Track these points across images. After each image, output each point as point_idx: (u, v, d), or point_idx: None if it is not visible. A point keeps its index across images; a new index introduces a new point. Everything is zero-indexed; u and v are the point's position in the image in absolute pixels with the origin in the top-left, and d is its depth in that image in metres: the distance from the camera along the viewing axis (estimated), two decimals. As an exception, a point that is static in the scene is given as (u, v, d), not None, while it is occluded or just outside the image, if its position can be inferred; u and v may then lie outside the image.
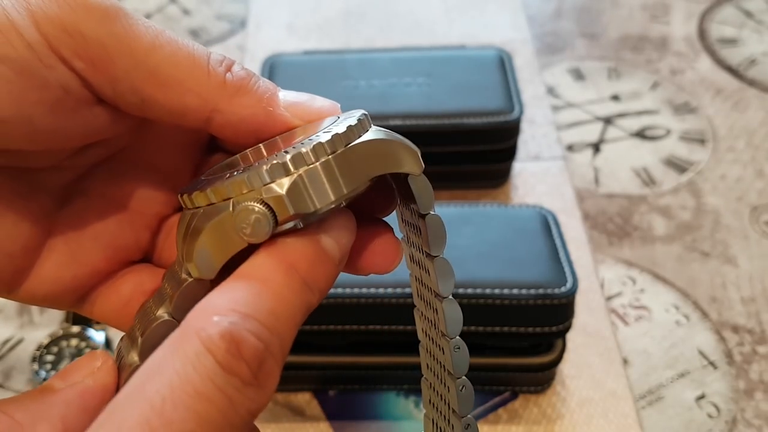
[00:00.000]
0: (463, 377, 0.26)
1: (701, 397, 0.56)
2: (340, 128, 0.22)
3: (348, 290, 0.51)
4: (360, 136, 0.22)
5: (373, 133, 0.23)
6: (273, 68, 0.70)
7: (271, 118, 0.25)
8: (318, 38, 0.86)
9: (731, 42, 0.87)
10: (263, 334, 0.20)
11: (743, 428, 0.54)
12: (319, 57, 0.72)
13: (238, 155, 0.25)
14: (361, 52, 0.73)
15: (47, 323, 0.60)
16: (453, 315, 0.26)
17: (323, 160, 0.21)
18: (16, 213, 0.25)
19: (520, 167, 0.72)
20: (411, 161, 0.23)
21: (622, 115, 0.79)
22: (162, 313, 0.23)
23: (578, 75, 0.83)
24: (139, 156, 0.28)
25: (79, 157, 0.26)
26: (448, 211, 0.57)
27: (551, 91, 0.81)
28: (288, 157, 0.21)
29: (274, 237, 0.21)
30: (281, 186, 0.21)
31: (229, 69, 0.25)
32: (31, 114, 0.22)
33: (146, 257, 0.29)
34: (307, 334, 0.52)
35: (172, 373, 0.19)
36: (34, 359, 0.56)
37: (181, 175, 0.29)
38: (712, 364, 0.58)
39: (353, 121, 0.22)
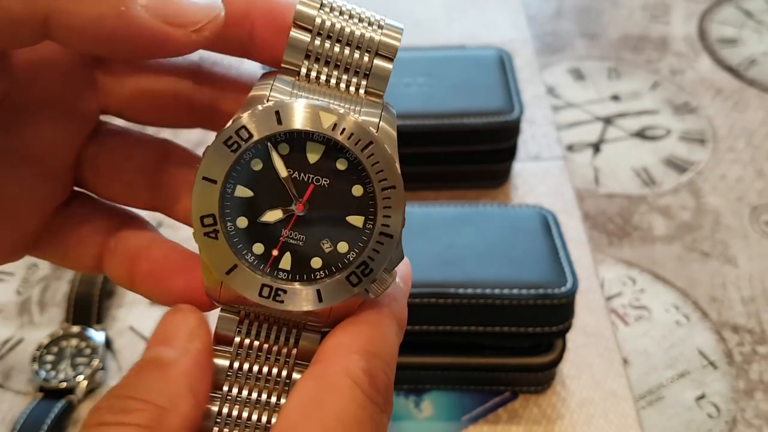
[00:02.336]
0: None
1: (701, 397, 0.56)
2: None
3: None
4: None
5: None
6: (273, 68, 0.70)
7: (125, 21, 0.21)
8: (318, 38, 0.86)
9: (731, 42, 0.87)
10: (387, 369, 0.24)
11: (743, 428, 0.54)
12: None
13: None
14: (361, 52, 0.73)
15: (47, 323, 0.60)
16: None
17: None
18: None
19: (520, 167, 0.72)
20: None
21: (622, 115, 0.79)
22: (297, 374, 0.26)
23: (578, 75, 0.83)
24: (25, 97, 0.25)
25: None
26: (448, 211, 0.57)
27: (551, 91, 0.81)
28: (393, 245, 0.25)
29: None
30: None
31: None
32: None
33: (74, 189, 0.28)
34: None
35: (334, 403, 0.22)
36: (34, 359, 0.56)
37: (78, 98, 0.26)
38: (712, 364, 0.58)
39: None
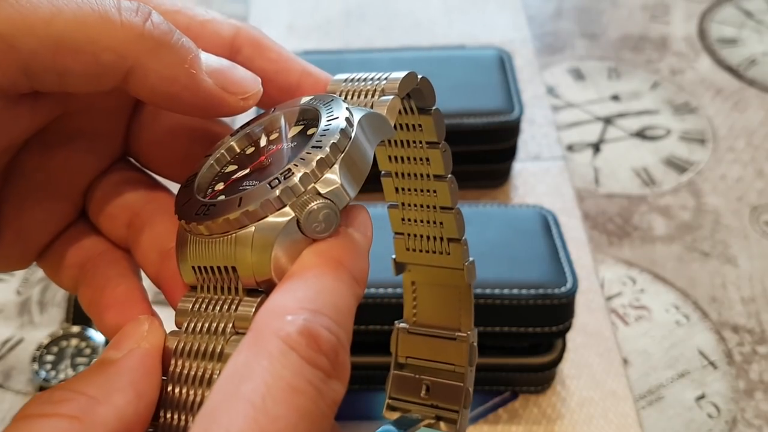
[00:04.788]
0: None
1: (701, 397, 0.56)
2: (342, 112, 0.25)
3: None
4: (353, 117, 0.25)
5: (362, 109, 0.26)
6: (273, 68, 0.70)
7: (193, 82, 0.24)
8: (318, 38, 0.86)
9: (731, 42, 0.87)
10: (333, 327, 0.21)
11: (743, 428, 0.54)
12: (319, 57, 0.72)
13: (212, 160, 0.26)
14: (361, 52, 0.73)
15: (47, 323, 0.60)
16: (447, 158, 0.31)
17: (349, 145, 0.24)
18: None
19: (520, 167, 0.72)
20: (394, 110, 0.27)
21: (622, 115, 0.79)
22: (235, 336, 0.23)
23: (578, 75, 0.83)
24: (69, 124, 0.27)
25: (12, 135, 0.25)
26: (448, 211, 0.57)
27: (551, 91, 0.81)
28: (327, 149, 0.23)
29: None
30: (334, 177, 0.23)
31: (147, 18, 0.23)
32: None
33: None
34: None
35: (263, 372, 0.19)
36: (34, 359, 0.56)
37: (112, 138, 0.29)
38: (712, 364, 0.58)
39: (340, 104, 0.25)
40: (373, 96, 0.27)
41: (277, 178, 0.23)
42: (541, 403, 0.55)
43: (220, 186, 0.25)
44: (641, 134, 0.77)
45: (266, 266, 0.23)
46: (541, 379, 0.55)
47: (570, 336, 0.57)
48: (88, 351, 0.57)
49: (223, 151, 0.27)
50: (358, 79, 0.28)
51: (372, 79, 0.28)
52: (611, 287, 0.63)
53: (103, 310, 0.26)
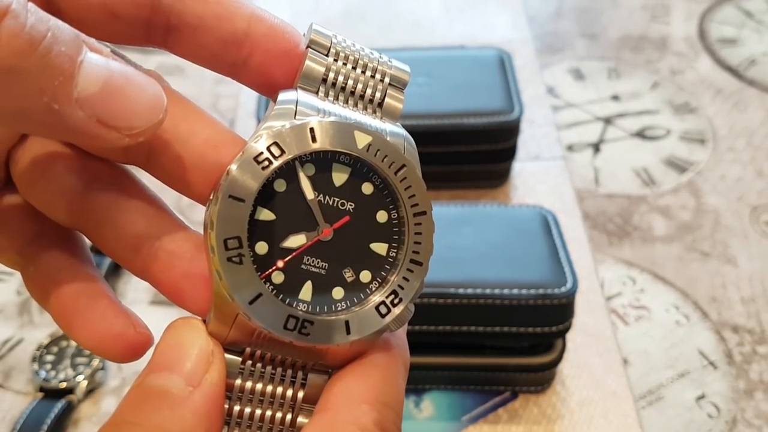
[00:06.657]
0: None
1: (701, 397, 0.56)
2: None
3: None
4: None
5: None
6: (273, 68, 0.70)
7: (54, 117, 0.18)
8: (318, 38, 0.86)
9: (731, 42, 0.87)
10: (398, 422, 0.23)
11: (743, 428, 0.54)
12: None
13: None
14: (361, 52, 0.73)
15: (47, 323, 0.60)
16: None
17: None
18: None
19: (520, 167, 0.72)
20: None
21: (622, 115, 0.79)
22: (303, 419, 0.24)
23: (578, 75, 0.83)
24: None
25: None
26: (448, 211, 0.57)
27: (551, 91, 0.81)
28: (428, 264, 0.24)
29: None
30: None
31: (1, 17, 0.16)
32: None
33: None
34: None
35: None
36: (34, 359, 0.56)
37: None
38: (712, 364, 0.58)
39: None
40: (373, 106, 0.25)
41: (385, 303, 0.23)
42: (541, 403, 0.55)
43: (280, 263, 0.23)
44: (641, 134, 0.77)
45: (348, 361, 0.24)
46: (541, 379, 0.55)
47: (570, 336, 0.57)
48: (87, 351, 0.57)
49: (254, 185, 0.22)
50: (345, 59, 0.25)
51: (364, 67, 0.25)
52: (611, 287, 0.63)
53: (72, 326, 0.24)
